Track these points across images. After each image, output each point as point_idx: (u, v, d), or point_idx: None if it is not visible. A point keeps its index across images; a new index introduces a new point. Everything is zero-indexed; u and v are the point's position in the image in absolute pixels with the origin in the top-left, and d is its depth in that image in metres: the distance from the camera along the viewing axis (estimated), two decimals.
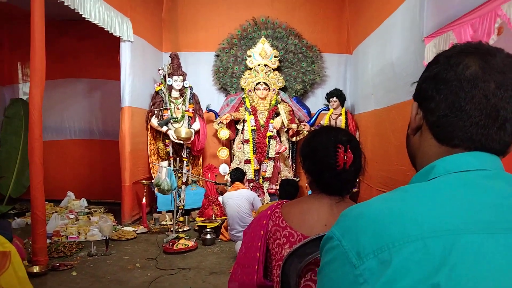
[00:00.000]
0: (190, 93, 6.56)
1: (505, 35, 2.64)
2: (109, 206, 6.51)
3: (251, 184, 6.36)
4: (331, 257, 0.61)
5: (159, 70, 6.48)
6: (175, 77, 6.39)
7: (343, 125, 6.33)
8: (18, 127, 6.90)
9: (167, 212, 6.07)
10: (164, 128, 6.25)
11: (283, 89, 6.94)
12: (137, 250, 4.64)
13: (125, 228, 5.39)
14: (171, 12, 7.30)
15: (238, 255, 1.44)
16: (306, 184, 5.43)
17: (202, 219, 5.64)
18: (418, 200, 0.60)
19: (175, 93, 6.46)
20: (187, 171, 6.53)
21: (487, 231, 0.54)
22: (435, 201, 0.59)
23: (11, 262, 2.41)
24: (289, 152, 6.88)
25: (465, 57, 0.67)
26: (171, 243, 4.59)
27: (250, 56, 6.80)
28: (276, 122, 6.59)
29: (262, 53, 6.74)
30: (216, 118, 6.81)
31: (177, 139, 6.24)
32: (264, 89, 6.66)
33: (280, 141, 6.72)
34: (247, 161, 6.50)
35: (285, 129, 6.76)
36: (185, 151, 6.52)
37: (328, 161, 1.27)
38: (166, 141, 6.43)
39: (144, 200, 5.76)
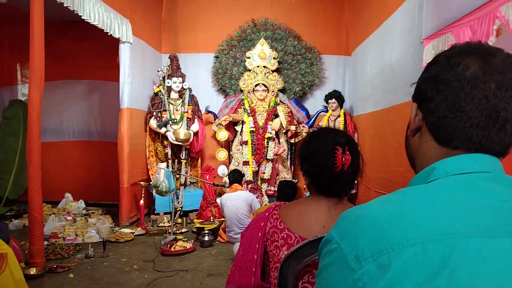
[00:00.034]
0: (189, 94, 6.56)
1: (503, 36, 2.64)
2: (107, 208, 6.50)
3: (250, 185, 6.35)
4: (329, 260, 0.60)
5: (158, 71, 6.48)
6: (174, 79, 6.39)
7: (341, 127, 6.33)
8: (17, 128, 6.88)
9: (165, 213, 6.06)
10: (163, 130, 6.24)
11: (282, 90, 6.94)
12: (134, 252, 4.62)
13: (122, 230, 5.37)
14: (170, 14, 7.30)
15: (236, 257, 1.44)
16: (304, 186, 5.42)
17: (200, 220, 5.63)
18: (417, 203, 0.59)
19: (174, 95, 6.46)
20: (186, 173, 6.53)
21: (487, 235, 0.53)
22: (435, 204, 0.58)
23: (8, 264, 2.40)
24: (288, 153, 6.88)
25: (465, 57, 0.66)
26: (168, 245, 4.58)
27: (249, 58, 6.80)
28: (275, 124, 6.59)
29: (261, 55, 6.74)
30: (215, 120, 6.81)
31: (176, 140, 6.23)
32: (263, 90, 6.66)
33: (279, 142, 6.72)
34: (246, 163, 6.50)
35: (284, 131, 6.76)
36: (184, 152, 6.52)
37: (326, 163, 1.27)
38: (165, 142, 6.42)
39: (142, 201, 5.75)
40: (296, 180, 6.54)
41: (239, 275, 1.37)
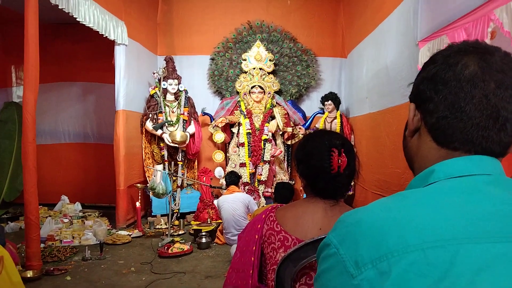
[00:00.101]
0: (185, 96, 6.55)
1: (498, 39, 2.66)
2: (103, 210, 6.48)
3: (247, 187, 6.35)
4: (328, 265, 0.59)
5: (154, 73, 6.47)
6: (170, 81, 6.39)
7: (338, 128, 6.34)
8: (12, 131, 6.85)
9: (162, 215, 6.05)
10: (159, 132, 6.23)
11: (278, 92, 6.95)
12: (131, 254, 4.61)
13: (119, 232, 5.36)
14: (166, 16, 7.30)
15: (233, 259, 1.44)
16: (301, 188, 5.43)
17: (197, 222, 5.63)
18: (417, 207, 0.57)
19: (170, 97, 6.45)
20: (182, 175, 6.52)
21: (488, 240, 0.52)
22: (435, 209, 0.56)
23: (5, 267, 2.39)
24: (285, 155, 6.89)
25: (464, 56, 0.65)
26: (166, 247, 4.57)
27: (245, 60, 6.81)
28: (272, 125, 6.60)
29: (257, 57, 6.75)
30: (211, 122, 6.82)
31: (172, 142, 6.23)
32: (259, 92, 6.67)
33: (276, 144, 6.73)
34: (243, 164, 6.50)
35: (281, 132, 6.77)
36: (180, 154, 6.51)
37: (322, 165, 1.28)
38: (161, 144, 6.41)
39: (138, 203, 5.74)
40: (293, 182, 6.55)
41: (236, 277, 1.38)
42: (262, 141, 6.53)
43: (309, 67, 7.14)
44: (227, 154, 6.88)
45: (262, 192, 6.47)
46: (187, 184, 6.60)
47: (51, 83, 7.01)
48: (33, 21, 3.71)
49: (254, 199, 5.55)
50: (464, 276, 0.49)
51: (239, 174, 5.66)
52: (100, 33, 5.10)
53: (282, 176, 6.74)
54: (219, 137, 6.67)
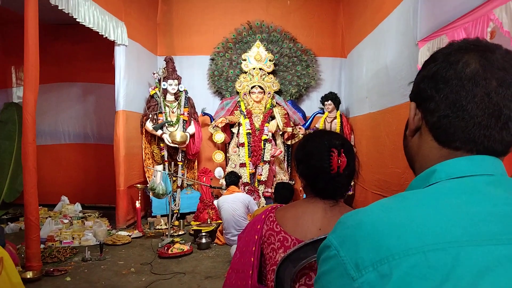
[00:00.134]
0: (185, 96, 6.55)
1: (497, 39, 2.66)
2: (103, 211, 6.48)
3: (247, 187, 6.35)
4: (328, 267, 0.59)
5: (153, 74, 6.47)
6: (170, 81, 6.39)
7: (338, 128, 6.34)
8: (12, 131, 6.85)
9: (162, 216, 6.05)
10: (159, 132, 6.23)
11: (278, 92, 6.96)
12: (131, 254, 4.61)
13: (119, 232, 5.36)
14: (166, 16, 7.30)
15: (233, 260, 1.44)
16: (301, 188, 5.43)
17: (197, 223, 5.63)
18: (418, 209, 0.57)
19: (170, 97, 6.45)
20: (182, 175, 6.52)
21: (490, 242, 0.51)
22: (436, 210, 0.56)
23: (4, 268, 2.39)
24: (285, 155, 6.89)
25: (465, 55, 0.64)
26: (166, 248, 4.57)
27: (245, 60, 6.81)
28: (271, 126, 6.60)
29: (257, 57, 6.75)
30: (211, 122, 6.82)
31: (172, 142, 6.23)
32: (259, 92, 6.67)
33: (276, 144, 6.73)
34: (243, 165, 6.51)
35: (281, 132, 6.77)
36: (180, 154, 6.51)
37: (322, 165, 1.28)
38: (161, 145, 6.41)
39: (138, 204, 5.74)
40: (293, 182, 6.55)
41: (236, 278, 1.38)
42: (262, 141, 6.53)
43: (309, 67, 7.14)
44: (227, 154, 6.89)
45: (262, 192, 6.47)
46: (187, 184, 6.60)
47: (51, 84, 7.02)
48: (33, 21, 3.71)
49: (254, 199, 5.55)
50: (465, 279, 0.48)
51: (239, 174, 5.66)
52: (100, 33, 5.10)
53: (282, 176, 6.74)
54: (219, 137, 6.67)
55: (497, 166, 0.64)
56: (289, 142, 6.89)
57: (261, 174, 6.49)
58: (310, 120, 6.81)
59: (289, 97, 7.06)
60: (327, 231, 1.23)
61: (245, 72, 6.82)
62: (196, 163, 6.94)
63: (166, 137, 6.23)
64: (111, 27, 5.29)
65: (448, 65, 0.65)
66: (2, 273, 2.34)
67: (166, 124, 6.28)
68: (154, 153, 6.48)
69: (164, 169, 6.26)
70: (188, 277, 3.84)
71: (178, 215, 6.28)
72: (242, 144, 6.56)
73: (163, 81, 6.37)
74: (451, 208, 0.56)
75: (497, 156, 0.65)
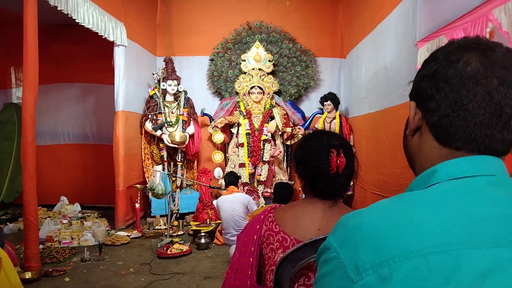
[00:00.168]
0: (185, 97, 6.56)
1: (496, 39, 2.65)
2: (102, 211, 6.48)
3: (246, 187, 6.36)
4: (328, 269, 0.58)
5: (153, 74, 6.48)
6: (169, 81, 6.39)
7: (337, 129, 6.35)
8: (11, 132, 6.85)
9: (161, 216, 6.05)
10: (158, 132, 6.23)
11: (278, 93, 6.96)
12: (131, 255, 4.61)
13: (118, 233, 5.36)
14: (165, 17, 7.30)
15: (232, 260, 1.44)
16: (300, 188, 5.43)
17: (197, 223, 5.62)
18: (419, 211, 0.56)
19: (169, 97, 6.46)
20: (182, 175, 6.52)
21: (492, 245, 0.51)
22: (437, 212, 0.55)
23: (3, 268, 2.39)
24: (284, 155, 6.89)
25: (465, 53, 0.64)
26: (165, 248, 4.57)
27: (244, 60, 6.81)
28: (271, 126, 6.60)
29: (256, 57, 6.76)
30: (210, 122, 6.82)
31: (171, 143, 6.23)
32: (259, 93, 6.67)
33: (275, 144, 6.73)
34: (242, 165, 6.51)
35: (280, 133, 6.78)
36: (180, 155, 6.51)
37: (321, 165, 1.28)
38: (160, 145, 6.41)
39: (138, 204, 5.73)
40: (292, 182, 6.55)
41: (234, 278, 1.38)
42: (262, 142, 6.53)
43: (308, 68, 7.14)
44: (227, 155, 6.89)
45: (262, 193, 6.47)
46: (187, 184, 6.60)
47: (50, 84, 7.02)
48: (32, 22, 3.71)
49: (253, 199, 5.55)
50: (466, 282, 0.48)
51: (239, 174, 5.66)
52: (99, 34, 5.10)
53: (282, 176, 6.74)
54: (219, 137, 6.67)
55: (499, 166, 0.63)
56: (288, 142, 6.89)
57: (260, 174, 6.49)
58: (309, 121, 6.81)
59: (288, 98, 7.06)
60: (326, 231, 1.23)
61: (245, 73, 6.83)
62: (195, 163, 6.94)
63: (165, 138, 6.23)
64: (111, 28, 5.29)
65: (449, 64, 0.64)
66: (1, 273, 2.34)
67: (166, 124, 6.28)
68: (154, 154, 6.48)
69: (163, 169, 6.26)
70: (187, 277, 3.84)
71: (177, 215, 6.28)
72: (242, 145, 6.57)
73: (163, 81, 6.37)
74: (452, 210, 0.55)
75: (498, 155, 0.64)
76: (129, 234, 5.32)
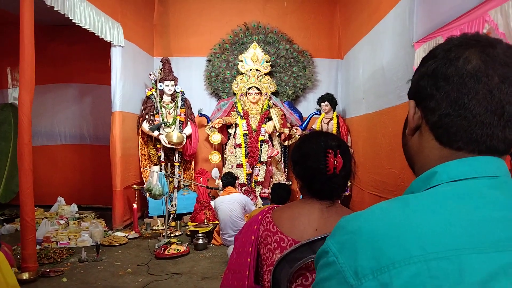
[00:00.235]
0: (182, 97, 6.55)
1: None
2: (100, 212, 6.47)
3: (244, 188, 6.36)
4: (326, 274, 0.57)
5: (150, 75, 6.47)
6: (166, 82, 6.39)
7: (334, 129, 6.36)
8: (8, 132, 6.83)
9: (158, 217, 6.04)
10: (156, 133, 6.23)
11: (275, 93, 6.97)
12: (128, 255, 4.60)
13: (116, 233, 5.35)
14: (162, 17, 7.30)
15: (229, 260, 1.45)
16: (297, 189, 5.43)
17: (194, 223, 5.62)
18: (419, 215, 0.55)
19: (166, 98, 6.45)
20: (179, 176, 6.51)
21: (494, 250, 0.50)
22: (438, 216, 0.54)
23: (0, 269, 2.38)
24: (281, 156, 6.90)
25: (465, 50, 0.62)
26: (162, 248, 4.57)
27: (241, 61, 6.82)
28: (268, 127, 6.61)
29: (253, 58, 6.76)
30: (208, 123, 6.82)
31: (169, 143, 6.22)
32: (256, 93, 6.68)
33: (272, 145, 6.74)
34: (239, 165, 6.51)
35: (277, 133, 6.78)
36: (177, 155, 6.51)
37: (318, 166, 1.28)
38: (158, 145, 6.41)
39: (135, 205, 5.73)
40: (290, 183, 6.54)
41: (232, 278, 1.38)
42: (259, 142, 6.54)
43: (305, 68, 7.16)
44: (224, 155, 6.88)
45: (259, 193, 6.47)
46: (184, 185, 6.60)
47: (47, 85, 6.99)
48: (28, 22, 3.70)
49: (251, 200, 5.55)
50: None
51: (236, 175, 5.66)
52: (96, 34, 5.10)
53: (279, 177, 6.74)
54: (216, 138, 6.67)
55: (500, 167, 0.62)
56: (286, 143, 6.90)
57: (258, 175, 6.49)
58: (306, 121, 6.83)
59: (286, 98, 7.07)
60: (324, 231, 1.24)
61: (242, 73, 6.83)
62: (192, 164, 6.94)
63: (162, 138, 6.22)
64: (107, 28, 5.29)
65: (448, 62, 0.63)
66: None
67: (163, 125, 6.27)
68: (151, 154, 6.48)
69: (160, 170, 6.25)
70: (185, 278, 3.84)
71: (175, 216, 6.27)
72: (239, 145, 6.57)
73: (160, 82, 6.36)
74: (453, 214, 0.54)
75: (500, 155, 0.63)
76: (126, 235, 5.31)
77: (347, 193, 6.24)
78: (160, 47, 7.27)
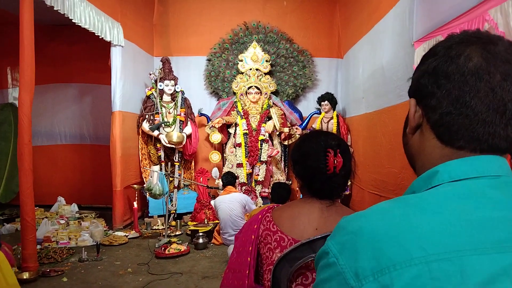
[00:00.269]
0: (182, 97, 6.55)
1: None
2: (100, 211, 6.47)
3: (244, 187, 6.36)
4: (327, 275, 0.56)
5: (150, 74, 6.47)
6: (166, 82, 6.39)
7: (334, 129, 6.36)
8: (8, 132, 6.83)
9: (158, 216, 6.04)
10: (156, 133, 6.23)
11: (275, 93, 6.96)
12: (128, 255, 4.61)
13: (116, 233, 5.35)
14: (162, 17, 7.30)
15: (230, 259, 1.45)
16: (297, 188, 5.44)
17: (194, 223, 5.62)
18: (421, 215, 0.54)
19: (166, 98, 6.45)
20: (179, 175, 6.52)
21: (495, 251, 0.49)
22: (439, 217, 0.53)
23: (0, 269, 2.39)
24: (281, 155, 6.90)
25: (466, 48, 0.61)
26: (163, 248, 4.57)
27: (241, 61, 6.81)
28: (268, 126, 6.61)
29: (253, 58, 6.76)
30: (208, 122, 6.82)
31: (169, 143, 6.22)
32: (256, 93, 6.68)
33: (272, 144, 6.74)
34: (240, 165, 6.51)
35: (277, 133, 6.78)
36: (177, 155, 6.51)
37: (318, 165, 1.28)
38: (158, 145, 6.41)
39: (135, 204, 5.73)
40: (290, 182, 6.55)
41: (232, 278, 1.38)
42: (259, 142, 6.54)
43: (305, 68, 7.16)
44: (224, 155, 6.88)
45: (259, 193, 6.47)
46: (184, 184, 6.60)
47: (47, 85, 6.99)
48: (28, 22, 3.70)
49: (251, 199, 5.55)
50: None
51: (236, 174, 5.66)
52: (96, 34, 5.09)
53: (279, 176, 6.74)
54: (216, 137, 6.67)
55: (503, 165, 0.61)
56: (286, 143, 6.90)
57: (258, 174, 6.50)
58: (306, 121, 6.83)
59: (285, 98, 7.07)
60: (324, 231, 1.24)
61: (242, 73, 6.83)
62: (193, 163, 6.94)
63: (162, 138, 6.22)
64: (107, 28, 5.28)
65: (449, 60, 0.62)
66: None
67: (163, 124, 6.27)
68: (151, 154, 6.47)
69: (160, 169, 6.25)
70: (185, 277, 3.84)
71: (175, 216, 6.27)
72: (239, 145, 6.57)
73: (160, 81, 6.36)
74: (454, 214, 0.53)
75: (502, 153, 0.62)
76: (127, 234, 5.31)
77: (347, 192, 6.24)
78: (160, 47, 7.27)
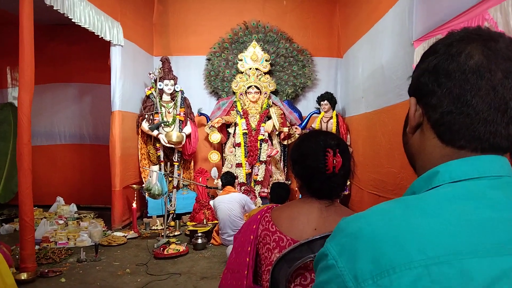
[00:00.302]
0: (181, 97, 6.55)
1: None
2: (99, 211, 6.46)
3: (243, 187, 6.36)
4: (326, 277, 0.56)
5: (149, 74, 6.47)
6: (166, 81, 6.38)
7: (334, 128, 6.35)
8: (7, 132, 6.82)
9: (157, 216, 6.03)
10: (155, 132, 6.22)
11: (275, 92, 6.96)
12: (127, 255, 4.60)
13: (115, 233, 5.34)
14: (162, 17, 7.29)
15: (228, 260, 1.44)
16: (296, 188, 5.42)
17: (193, 223, 5.62)
18: (420, 217, 0.53)
19: (166, 97, 6.45)
20: (178, 175, 6.51)
21: (496, 253, 0.48)
22: (439, 219, 0.52)
23: None
24: (281, 155, 6.89)
25: (467, 45, 0.60)
26: (161, 248, 4.56)
27: (241, 60, 6.81)
28: (268, 126, 6.60)
29: (253, 57, 6.75)
30: (207, 122, 6.82)
31: (168, 143, 6.21)
32: (256, 92, 6.67)
33: (272, 144, 6.73)
34: (239, 165, 6.51)
35: (277, 132, 6.78)
36: (176, 155, 6.50)
37: (317, 165, 1.27)
38: (157, 145, 6.40)
39: (134, 205, 5.72)
40: (289, 182, 6.54)
41: (231, 278, 1.37)
42: (259, 141, 6.53)
43: (305, 67, 7.15)
44: (224, 155, 6.88)
45: (259, 193, 6.47)
46: (183, 184, 6.59)
47: (46, 84, 6.98)
48: (28, 22, 3.69)
49: (250, 199, 5.55)
50: None
51: (235, 174, 5.65)
52: (95, 34, 5.09)
53: (279, 176, 6.74)
54: (216, 137, 6.66)
55: (504, 165, 0.61)
56: (285, 142, 6.89)
57: (257, 174, 6.49)
58: (306, 120, 6.82)
59: (285, 97, 7.06)
60: (323, 231, 1.23)
61: (241, 72, 6.83)
62: (192, 163, 6.93)
63: (162, 138, 6.22)
64: (107, 27, 5.28)
65: (450, 57, 0.61)
66: None
67: (162, 124, 6.27)
68: (150, 154, 6.46)
69: (160, 169, 6.24)
70: (184, 278, 3.83)
71: (174, 216, 6.27)
72: (239, 144, 6.56)
73: (159, 81, 6.36)
74: (455, 216, 0.53)
75: (503, 153, 0.61)
76: (125, 235, 5.30)
77: (346, 192, 6.23)
78: (160, 46, 7.26)
